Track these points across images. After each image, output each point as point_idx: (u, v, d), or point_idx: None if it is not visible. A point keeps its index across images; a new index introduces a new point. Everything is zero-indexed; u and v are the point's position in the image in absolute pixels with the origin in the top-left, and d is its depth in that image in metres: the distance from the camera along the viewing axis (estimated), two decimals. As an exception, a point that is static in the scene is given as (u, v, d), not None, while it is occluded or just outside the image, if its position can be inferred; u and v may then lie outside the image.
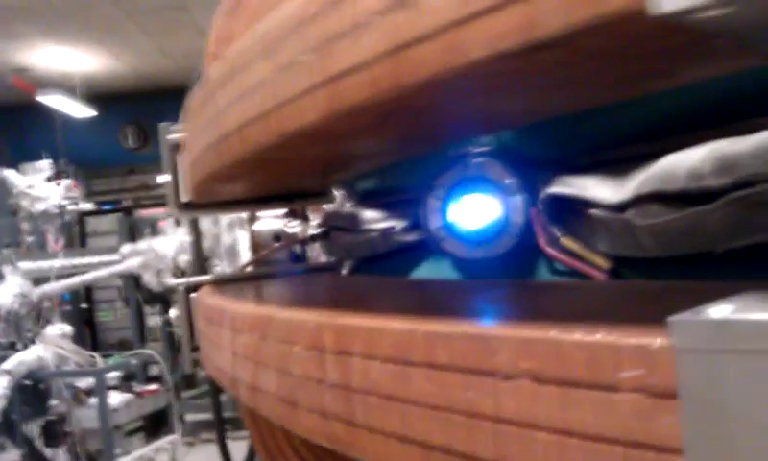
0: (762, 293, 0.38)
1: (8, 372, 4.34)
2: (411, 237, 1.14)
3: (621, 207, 0.76)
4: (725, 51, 0.49)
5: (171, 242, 5.26)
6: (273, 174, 1.00)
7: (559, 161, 0.90)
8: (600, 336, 0.44)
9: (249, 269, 1.76)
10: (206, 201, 1.41)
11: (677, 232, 0.69)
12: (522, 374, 0.49)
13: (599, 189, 0.80)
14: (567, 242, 0.87)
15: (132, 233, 6.77)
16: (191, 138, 1.05)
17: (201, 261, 1.82)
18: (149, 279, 5.35)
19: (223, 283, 1.43)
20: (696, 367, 0.34)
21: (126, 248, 5.54)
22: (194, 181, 1.10)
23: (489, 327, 0.52)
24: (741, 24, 0.33)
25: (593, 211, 0.81)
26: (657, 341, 0.40)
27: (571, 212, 0.86)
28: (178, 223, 5.16)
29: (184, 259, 5.16)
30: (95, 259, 5.80)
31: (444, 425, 0.55)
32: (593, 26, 0.40)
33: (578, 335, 0.46)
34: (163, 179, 1.48)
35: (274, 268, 1.64)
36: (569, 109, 0.73)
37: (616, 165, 0.81)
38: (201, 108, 0.95)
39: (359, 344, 0.64)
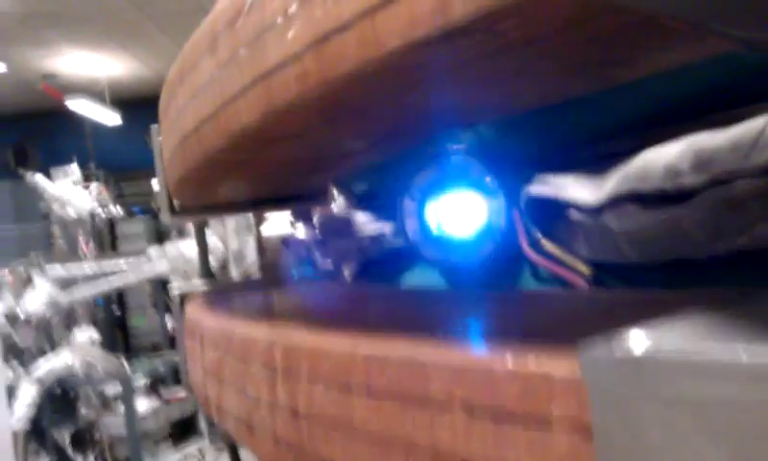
0: (700, 316, 0.32)
1: (37, 380, 4.37)
2: (399, 242, 1.09)
3: (599, 209, 0.70)
4: (681, 34, 0.43)
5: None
6: (244, 178, 0.95)
7: (541, 158, 0.84)
8: (533, 366, 0.39)
9: (247, 276, 1.72)
10: (198, 204, 1.37)
11: (654, 236, 0.63)
12: (456, 404, 0.43)
13: (578, 189, 0.74)
14: (549, 245, 0.81)
15: (160, 236, 6.80)
16: (164, 141, 1.01)
17: (208, 268, 1.79)
18: (176, 283, 5.34)
19: (217, 292, 1.39)
20: (606, 406, 0.28)
21: (153, 251, 5.55)
22: (170, 185, 1.06)
23: (423, 351, 0.46)
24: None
25: (572, 213, 0.75)
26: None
27: (553, 213, 0.80)
28: (205, 224, 5.15)
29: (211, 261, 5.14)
30: (123, 263, 5.82)
31: (384, 458, 0.50)
32: (504, 9, 0.35)
33: (510, 364, 0.40)
34: (156, 183, 1.44)
35: (269, 276, 1.60)
36: (538, 102, 0.67)
37: (599, 162, 0.75)
38: (166, 108, 0.91)
39: (305, 365, 0.59)
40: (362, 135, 0.67)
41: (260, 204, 1.45)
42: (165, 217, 1.40)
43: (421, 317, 0.70)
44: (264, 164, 0.81)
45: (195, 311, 1.02)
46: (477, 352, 0.43)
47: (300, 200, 1.49)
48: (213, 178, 0.87)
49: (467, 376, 0.43)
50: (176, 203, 1.31)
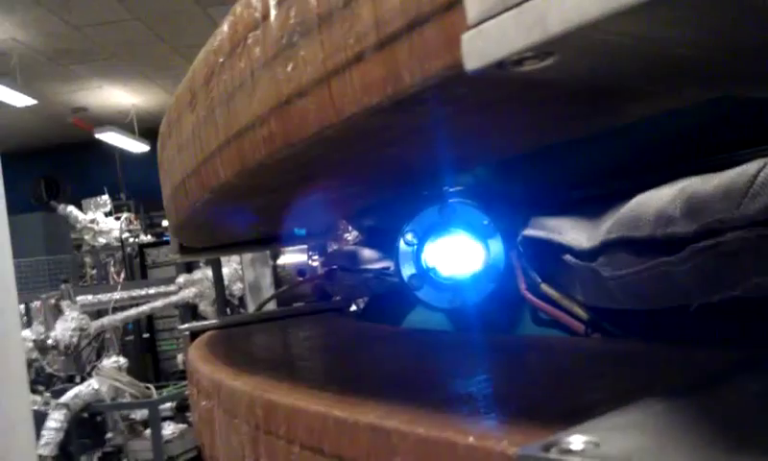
0: (654, 409, 0.30)
1: (65, 405, 4.41)
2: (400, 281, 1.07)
3: (592, 254, 0.68)
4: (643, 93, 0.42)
5: (224, 271, 5.27)
6: (237, 225, 0.95)
7: (539, 200, 0.82)
8: (492, 442, 0.37)
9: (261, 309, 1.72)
10: (207, 244, 1.36)
11: (645, 285, 0.61)
12: (419, 478, 0.42)
13: (572, 233, 0.72)
14: (547, 289, 0.79)
15: (189, 264, 6.84)
16: (162, 187, 1.01)
17: (223, 303, 1.77)
18: (204, 308, 5.39)
19: (225, 329, 1.38)
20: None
21: (181, 278, 5.59)
22: (171, 228, 1.06)
23: (389, 419, 0.45)
24: (580, 74, 0.26)
25: (568, 257, 0.73)
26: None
27: (550, 256, 0.78)
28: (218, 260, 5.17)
29: (239, 287, 5.17)
30: (152, 290, 5.86)
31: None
32: (451, 78, 0.34)
33: (471, 438, 0.38)
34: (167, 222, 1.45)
35: (276, 311, 1.59)
36: (521, 150, 0.65)
37: (595, 204, 0.73)
38: (161, 158, 0.91)
39: (282, 424, 0.57)
40: (341, 189, 0.67)
41: (271, 241, 1.45)
42: (175, 256, 1.40)
43: (404, 372, 0.68)
44: (254, 212, 0.81)
45: (195, 354, 1.02)
46: (442, 425, 0.42)
47: (313, 235, 1.49)
48: (207, 226, 0.87)
49: (430, 448, 0.41)
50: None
